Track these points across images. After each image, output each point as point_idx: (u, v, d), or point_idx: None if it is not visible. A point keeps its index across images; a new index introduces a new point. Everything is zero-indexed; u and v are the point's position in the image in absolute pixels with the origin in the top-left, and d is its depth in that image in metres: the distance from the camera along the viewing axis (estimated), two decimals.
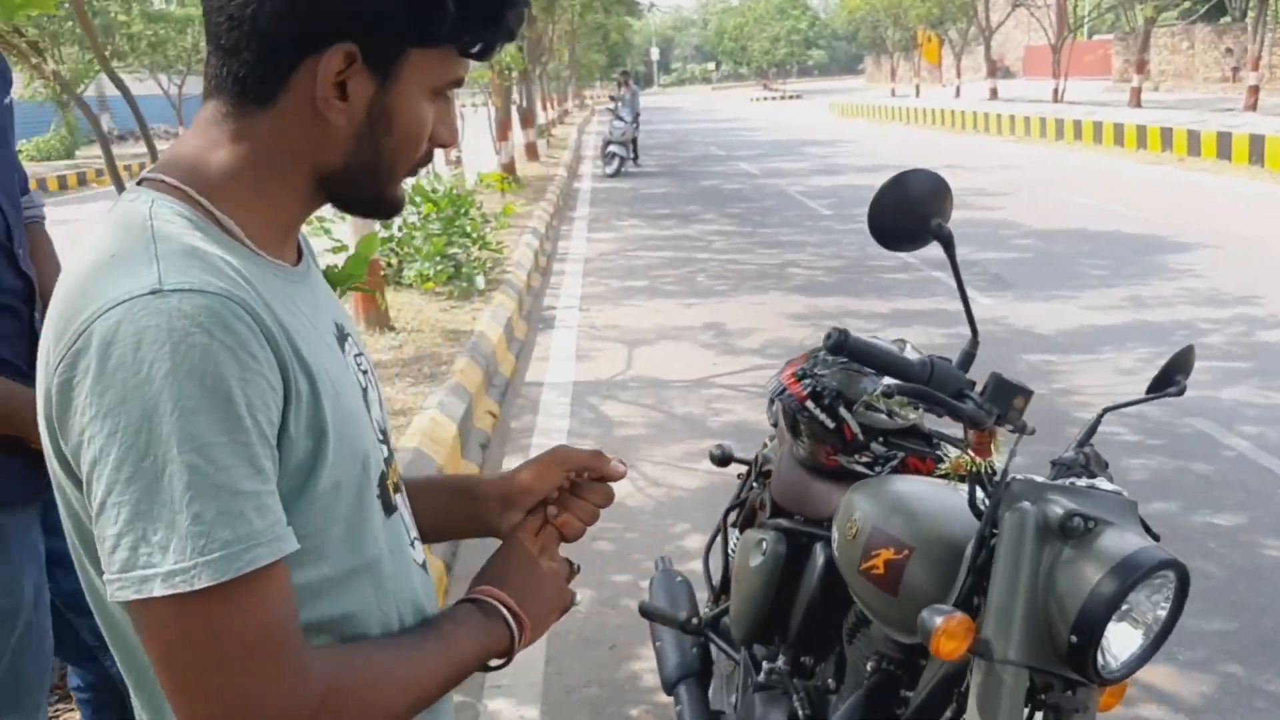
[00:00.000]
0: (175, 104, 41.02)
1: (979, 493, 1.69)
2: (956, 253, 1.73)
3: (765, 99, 63.44)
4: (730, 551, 2.82)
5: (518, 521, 1.24)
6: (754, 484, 2.80)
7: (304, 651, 0.94)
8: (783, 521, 2.47)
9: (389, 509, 1.09)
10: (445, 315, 7.71)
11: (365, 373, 1.13)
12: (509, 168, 16.60)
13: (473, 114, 16.03)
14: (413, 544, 1.16)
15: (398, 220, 8.76)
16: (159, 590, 0.85)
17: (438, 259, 8.42)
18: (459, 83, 1.06)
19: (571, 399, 6.53)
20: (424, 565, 1.18)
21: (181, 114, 41.46)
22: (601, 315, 8.84)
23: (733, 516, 2.87)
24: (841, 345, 1.68)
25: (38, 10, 3.89)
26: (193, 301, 0.88)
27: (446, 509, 1.30)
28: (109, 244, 0.94)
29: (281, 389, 0.93)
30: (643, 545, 4.38)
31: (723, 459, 2.86)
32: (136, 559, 0.86)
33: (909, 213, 1.73)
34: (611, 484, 1.26)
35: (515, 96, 21.04)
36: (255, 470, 0.89)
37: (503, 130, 16.43)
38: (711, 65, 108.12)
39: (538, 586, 1.18)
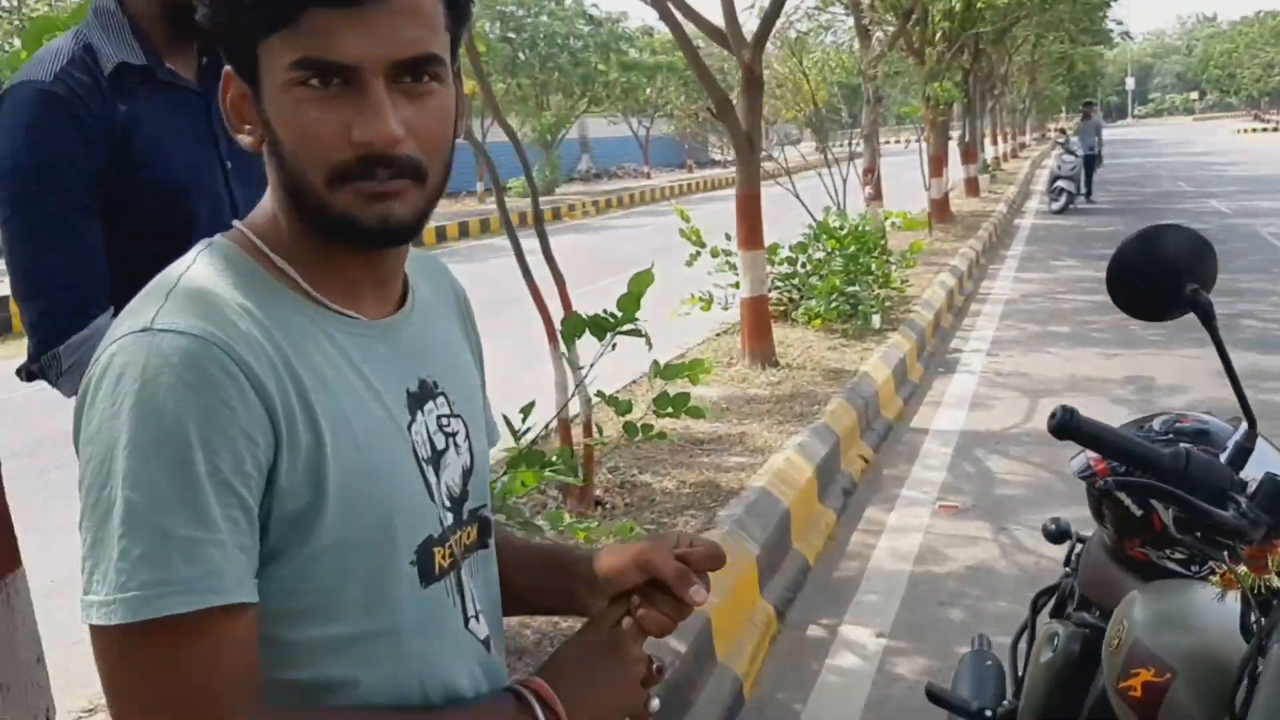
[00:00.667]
0: (642, 144, 44.34)
1: (1251, 613, 1.35)
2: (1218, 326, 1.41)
3: (1254, 130, 56.67)
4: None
5: (601, 608, 1.13)
6: (1070, 568, 2.47)
7: (245, 709, 0.90)
8: (1085, 615, 2.17)
9: (428, 578, 1.03)
10: (833, 354, 7.58)
11: (452, 435, 1.08)
12: (941, 204, 16.09)
13: (903, 149, 15.74)
14: (473, 619, 1.10)
15: (801, 256, 8.77)
16: (92, 618, 0.86)
17: (833, 296, 8.32)
18: (319, 62, 0.90)
19: (954, 449, 6.15)
20: (486, 642, 1.12)
21: (648, 154, 44.72)
22: (1009, 361, 8.29)
23: (1046, 602, 2.56)
24: (1066, 427, 1.40)
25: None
26: (172, 342, 0.88)
27: (538, 581, 1.23)
28: (148, 286, 0.97)
29: (269, 438, 0.90)
30: (1000, 617, 3.99)
31: (1057, 534, 2.55)
32: (88, 584, 0.87)
33: (1160, 276, 1.50)
34: (694, 600, 1.10)
35: (957, 130, 20.42)
36: (196, 517, 0.86)
37: (936, 166, 15.97)
38: (1194, 94, 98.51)
39: (602, 684, 1.07)
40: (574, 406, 4.53)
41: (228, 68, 0.97)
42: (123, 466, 0.86)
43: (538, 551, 1.30)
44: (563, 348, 2.81)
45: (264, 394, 0.90)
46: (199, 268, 0.96)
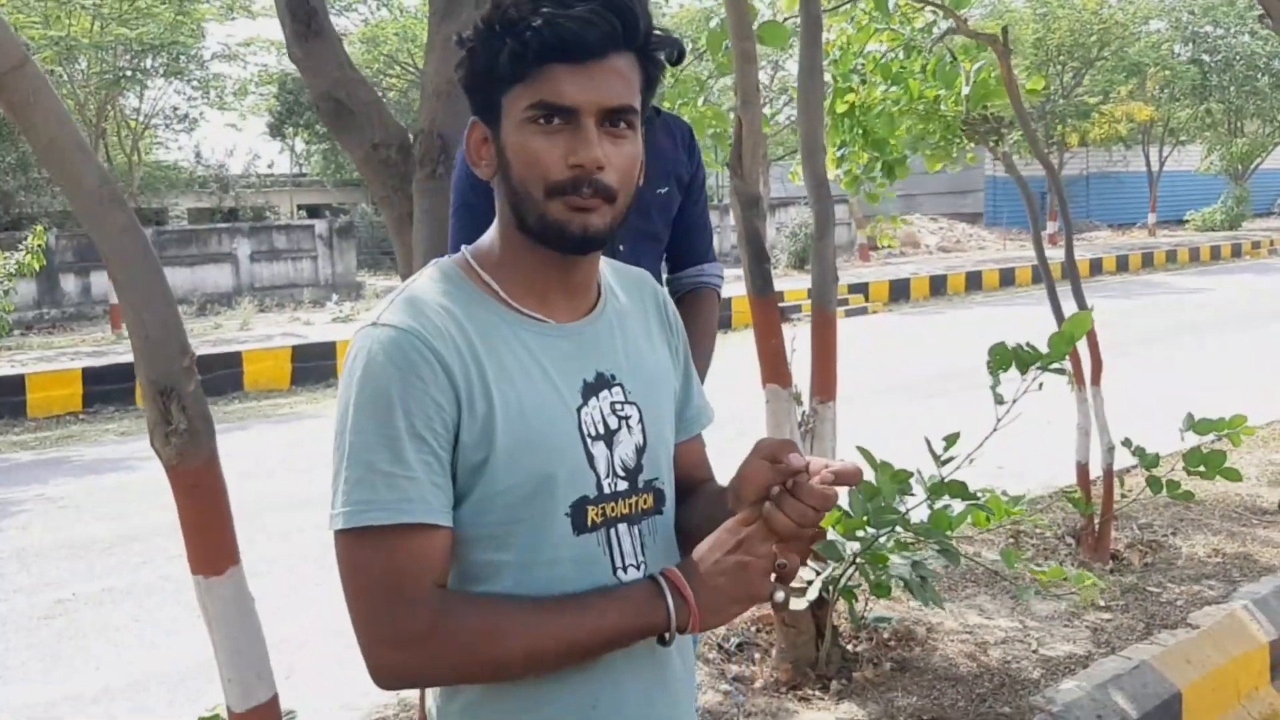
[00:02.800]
0: None
1: None
2: None
3: None
4: None
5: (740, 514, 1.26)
6: None
7: (423, 594, 1.19)
8: None
9: (580, 529, 1.28)
10: None
11: (625, 418, 1.33)
12: None
13: None
14: (622, 569, 1.31)
15: None
16: (330, 523, 1.21)
17: None
18: (551, 105, 1.20)
19: None
20: None
21: None
22: None
23: None
24: None
25: (996, 101, 4.48)
26: (386, 334, 1.22)
27: (716, 515, 1.34)
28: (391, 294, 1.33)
29: (453, 405, 1.22)
30: None
31: None
32: (331, 502, 1.22)
33: None
34: (834, 487, 1.19)
35: None
36: (395, 457, 1.19)
37: None
38: None
39: (721, 574, 1.22)
40: (1095, 452, 4.38)
41: (474, 117, 1.29)
42: (350, 418, 1.21)
43: (717, 495, 1.42)
44: (994, 380, 2.85)
45: (449, 372, 1.21)
46: (421, 281, 1.30)
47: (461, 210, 2.37)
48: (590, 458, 1.30)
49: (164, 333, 2.02)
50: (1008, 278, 20.31)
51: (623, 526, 1.33)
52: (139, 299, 2.00)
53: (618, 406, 1.33)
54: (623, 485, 1.32)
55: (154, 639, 4.79)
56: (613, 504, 1.31)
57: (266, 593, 5.02)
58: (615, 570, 1.31)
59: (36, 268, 14.40)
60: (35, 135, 1.91)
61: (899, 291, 18.71)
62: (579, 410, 1.30)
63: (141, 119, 19.84)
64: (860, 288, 17.99)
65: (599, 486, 1.30)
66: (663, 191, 2.42)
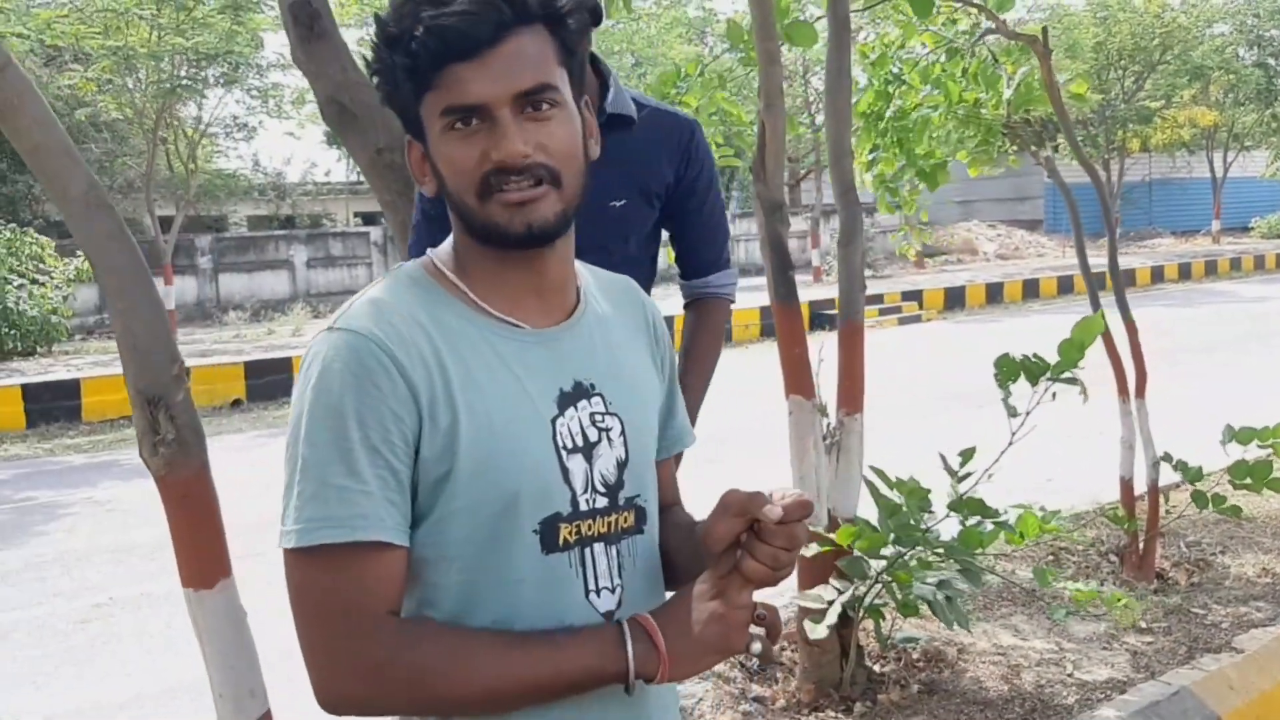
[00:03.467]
0: None
1: None
2: None
3: None
4: None
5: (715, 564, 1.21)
6: None
7: (377, 621, 1.13)
8: None
9: (550, 548, 1.20)
10: None
11: (606, 430, 1.25)
12: None
13: None
14: (595, 592, 1.23)
15: None
16: (280, 540, 1.14)
17: None
18: (458, 107, 1.14)
19: None
20: (609, 615, 1.23)
21: None
22: None
23: None
24: None
25: (1039, 105, 4.35)
26: (343, 338, 1.15)
27: (681, 547, 1.36)
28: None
29: (414, 417, 1.14)
30: None
31: None
32: (281, 518, 1.15)
33: None
34: (795, 525, 1.14)
35: None
36: (348, 471, 1.11)
37: None
38: None
39: (696, 624, 1.17)
40: (1139, 470, 4.22)
41: (408, 135, 1.22)
42: (304, 429, 1.13)
43: (686, 529, 1.39)
44: (1004, 392, 2.74)
45: (410, 381, 1.13)
46: (383, 285, 1.23)
47: (421, 224, 2.29)
48: (565, 472, 1.22)
49: (152, 341, 1.99)
50: (1066, 285, 19.90)
51: (599, 546, 1.25)
52: (126, 307, 1.97)
53: (598, 418, 1.25)
54: (602, 502, 1.24)
55: (186, 646, 4.77)
56: (589, 521, 1.23)
57: (277, 602, 5.04)
58: (588, 593, 1.24)
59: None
60: (21, 140, 1.88)
61: (954, 299, 18.43)
62: (554, 421, 1.22)
63: (201, 128, 20.17)
64: (914, 295, 17.74)
65: (574, 503, 1.22)
66: (619, 204, 2.24)
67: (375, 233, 21.37)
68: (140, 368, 1.99)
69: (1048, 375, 2.66)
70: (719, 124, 4.67)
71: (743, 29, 3.62)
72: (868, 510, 3.10)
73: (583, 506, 1.23)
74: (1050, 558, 4.45)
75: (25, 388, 10.77)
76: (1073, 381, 2.61)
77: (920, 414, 8.59)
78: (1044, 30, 3.98)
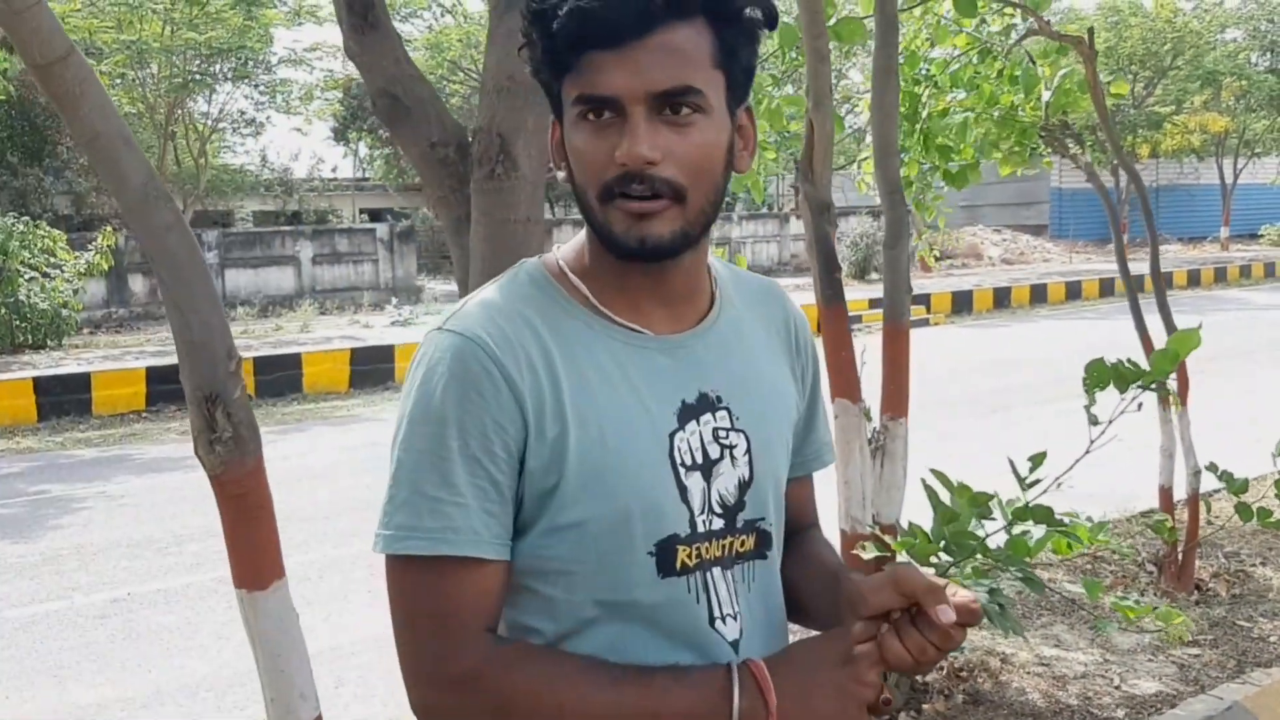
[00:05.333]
0: None
1: None
2: None
3: None
4: None
5: (851, 623, 1.11)
6: None
7: (471, 635, 1.07)
8: None
9: (666, 571, 1.12)
10: None
11: (730, 447, 1.16)
12: None
13: None
14: (720, 619, 1.16)
15: None
16: (373, 543, 1.10)
17: None
18: (591, 97, 1.06)
19: None
20: (735, 645, 1.16)
21: None
22: None
23: None
24: None
25: (1078, 108, 4.29)
26: (450, 340, 1.09)
27: (817, 595, 1.26)
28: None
29: (519, 426, 1.07)
30: None
31: None
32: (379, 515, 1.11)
33: None
34: (960, 628, 1.05)
35: None
36: (443, 481, 1.06)
37: None
38: None
39: (824, 691, 1.08)
40: (1179, 478, 4.16)
41: (552, 116, 1.15)
42: (403, 432, 1.09)
43: (826, 566, 1.29)
44: (1090, 399, 2.68)
45: (515, 389, 1.07)
46: (500, 283, 1.16)
47: None
48: (683, 490, 1.13)
49: (209, 335, 1.93)
50: (1074, 291, 19.87)
51: (716, 571, 1.16)
52: (184, 300, 1.91)
53: (721, 433, 1.16)
54: (718, 523, 1.16)
55: (204, 643, 4.75)
56: (707, 544, 1.15)
57: (317, 598, 4.99)
58: (713, 620, 1.15)
59: (105, 268, 14.72)
60: (81, 128, 1.82)
61: (961, 303, 18.38)
62: (672, 435, 1.13)
63: (210, 123, 20.13)
64: (922, 299, 17.67)
65: (692, 524, 1.14)
66: None
67: (381, 229, 21.31)
68: (196, 363, 1.94)
69: (1139, 384, 2.58)
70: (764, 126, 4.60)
71: (795, 30, 3.56)
72: (909, 515, 3.04)
73: (700, 528, 1.14)
74: (1088, 567, 4.40)
75: (37, 381, 10.74)
76: (1166, 392, 2.55)
77: (935, 417, 8.53)
78: (1090, 31, 3.93)
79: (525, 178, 2.37)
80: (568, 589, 1.12)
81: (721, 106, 1.10)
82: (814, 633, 1.19)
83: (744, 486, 1.18)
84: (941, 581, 1.08)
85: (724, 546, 1.16)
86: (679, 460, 1.13)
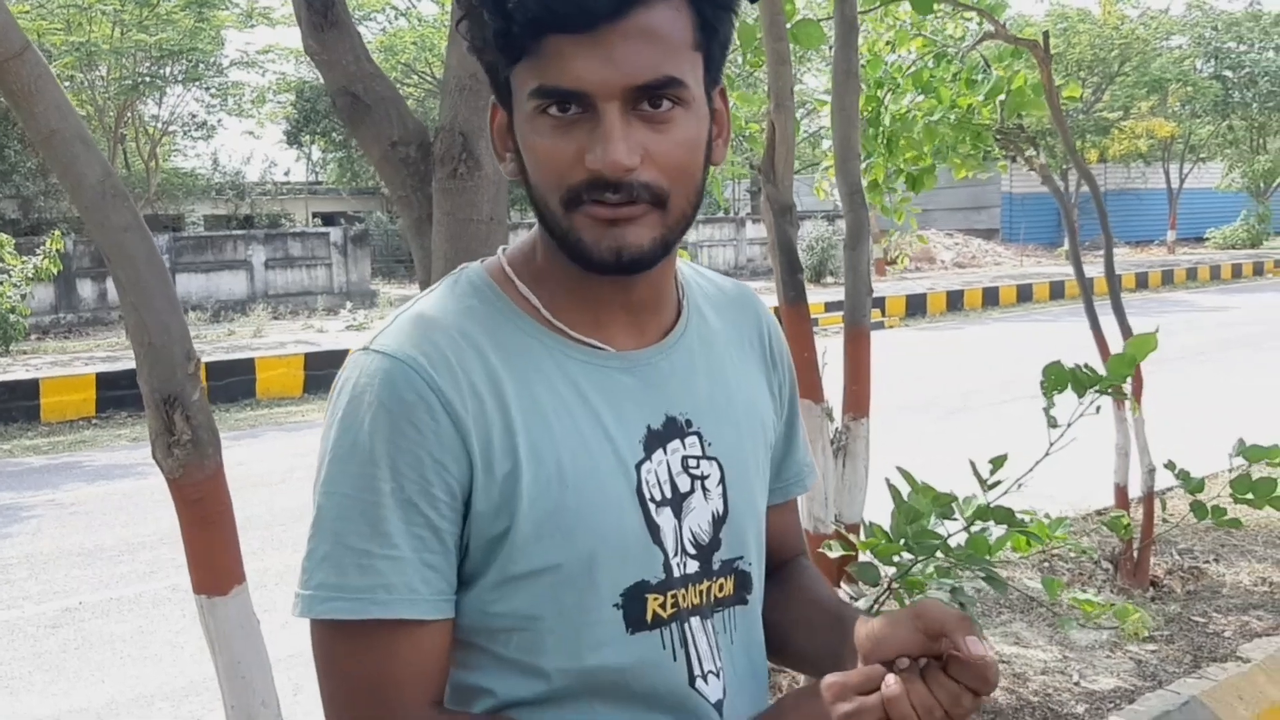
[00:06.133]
0: None
1: None
2: None
3: None
4: None
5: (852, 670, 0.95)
6: None
7: (408, 711, 0.93)
8: None
9: (636, 625, 0.98)
10: None
11: (701, 478, 1.03)
12: None
13: None
14: (702, 678, 1.02)
15: None
16: (292, 606, 0.95)
17: None
18: (555, 90, 0.90)
19: None
20: (719, 706, 1.03)
21: None
22: None
23: None
24: None
25: (1033, 111, 4.34)
26: (379, 363, 0.93)
27: (818, 633, 1.10)
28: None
29: (463, 464, 0.92)
30: None
31: None
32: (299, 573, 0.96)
33: None
34: (990, 666, 0.89)
35: None
36: (372, 531, 0.90)
37: None
38: None
39: None
40: (1134, 476, 4.22)
41: (493, 99, 0.99)
42: (324, 473, 0.93)
43: (822, 604, 1.14)
44: (1048, 402, 2.71)
45: (458, 420, 0.92)
46: (437, 294, 1.00)
47: None
48: (654, 530, 0.99)
49: (167, 337, 1.90)
50: (1025, 294, 20.14)
51: (694, 620, 1.02)
52: (141, 301, 1.88)
53: (691, 463, 1.02)
54: (693, 566, 1.02)
55: (159, 652, 4.67)
56: (683, 590, 1.01)
57: (274, 605, 4.91)
58: (693, 679, 1.01)
59: (54, 272, 14.41)
60: (36, 126, 1.79)
61: (915, 306, 18.57)
62: (638, 467, 0.99)
63: (160, 126, 19.85)
64: (877, 302, 17.82)
65: (666, 567, 1.00)
66: None
67: (335, 233, 21.11)
68: (154, 365, 1.91)
69: (1096, 387, 2.62)
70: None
71: (754, 30, 3.57)
72: (869, 515, 3.06)
73: (675, 572, 1.00)
74: (1044, 564, 4.45)
75: None
76: (1123, 395, 2.59)
77: (892, 420, 8.59)
78: (1045, 35, 3.98)
79: (488, 177, 2.35)
80: (523, 649, 0.97)
81: (700, 94, 0.95)
82: (802, 678, 1.09)
83: (718, 522, 1.04)
84: (967, 615, 0.96)
85: (701, 593, 1.02)
86: (648, 495, 0.99)
